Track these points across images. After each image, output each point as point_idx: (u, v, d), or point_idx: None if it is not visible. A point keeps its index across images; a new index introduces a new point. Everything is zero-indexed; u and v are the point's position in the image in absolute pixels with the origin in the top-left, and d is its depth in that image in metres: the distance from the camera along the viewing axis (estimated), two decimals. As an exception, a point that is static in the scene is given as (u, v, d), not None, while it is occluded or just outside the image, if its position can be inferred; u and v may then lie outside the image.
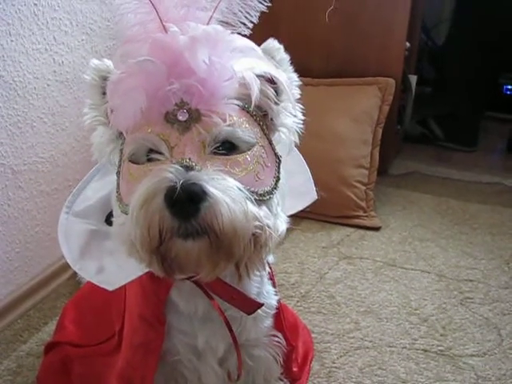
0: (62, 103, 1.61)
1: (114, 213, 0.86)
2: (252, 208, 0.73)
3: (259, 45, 0.84)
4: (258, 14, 0.82)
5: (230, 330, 0.96)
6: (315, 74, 2.21)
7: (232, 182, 0.72)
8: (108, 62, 0.84)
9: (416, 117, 2.85)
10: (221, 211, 0.69)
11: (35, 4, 1.44)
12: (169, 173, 0.69)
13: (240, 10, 0.82)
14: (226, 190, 0.71)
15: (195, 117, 0.74)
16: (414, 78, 2.56)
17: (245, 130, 0.78)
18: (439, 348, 1.47)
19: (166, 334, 0.96)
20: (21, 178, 1.51)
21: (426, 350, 1.46)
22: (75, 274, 1.66)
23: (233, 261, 0.76)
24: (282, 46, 0.86)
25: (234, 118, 0.77)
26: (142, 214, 0.70)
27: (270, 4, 0.81)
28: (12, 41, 1.40)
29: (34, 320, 1.56)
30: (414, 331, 1.54)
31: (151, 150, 0.76)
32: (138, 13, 0.78)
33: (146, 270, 0.86)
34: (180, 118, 0.74)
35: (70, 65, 1.61)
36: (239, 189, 0.73)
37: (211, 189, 0.69)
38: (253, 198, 0.75)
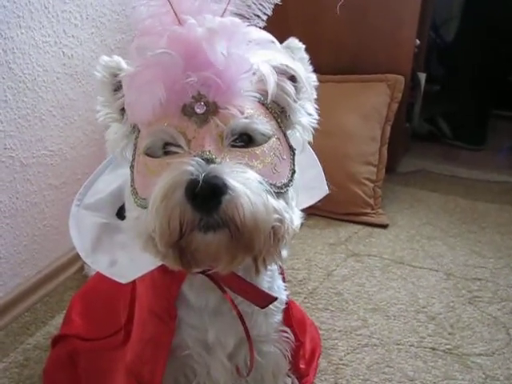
0: (71, 96, 1.61)
1: (126, 206, 0.86)
2: (272, 200, 0.73)
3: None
4: (272, 6, 0.82)
5: (243, 324, 0.96)
6: (324, 71, 2.19)
7: (252, 175, 0.72)
8: (118, 59, 0.83)
9: (424, 114, 2.84)
10: (242, 204, 0.69)
11: (45, -4, 1.44)
12: (190, 166, 0.69)
13: (254, 2, 0.81)
14: (246, 182, 0.70)
15: (212, 109, 0.74)
16: (422, 76, 2.55)
17: (261, 122, 0.77)
18: (447, 346, 1.46)
19: (176, 329, 0.96)
20: (29, 171, 1.51)
21: (433, 349, 1.46)
22: (82, 267, 1.67)
23: (252, 254, 0.76)
24: (303, 46, 0.86)
25: (251, 111, 0.76)
26: (162, 208, 0.69)
27: (282, -3, 0.80)
28: (22, 33, 1.39)
29: (40, 313, 1.56)
30: (421, 329, 1.53)
31: (168, 144, 0.76)
32: (151, 5, 0.77)
33: (159, 263, 0.86)
34: (198, 110, 0.74)
35: (80, 58, 1.61)
36: (259, 181, 0.72)
37: (232, 181, 0.69)
38: (272, 191, 0.75)
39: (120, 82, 0.82)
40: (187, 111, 0.74)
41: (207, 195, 0.68)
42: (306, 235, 1.97)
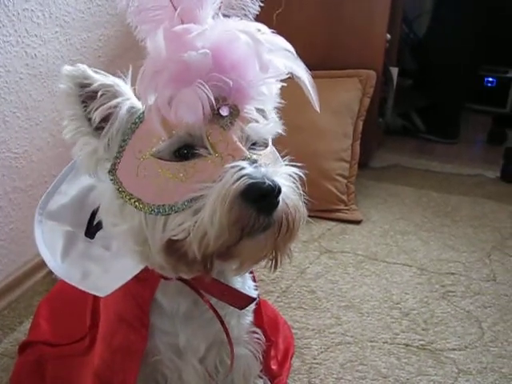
0: (35, 97, 1.57)
1: (110, 220, 0.83)
2: (301, 197, 0.78)
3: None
4: (256, 10, 0.81)
5: (223, 325, 0.95)
6: (295, 67, 2.19)
7: (292, 172, 0.77)
8: (83, 67, 0.79)
9: (397, 109, 2.85)
10: (290, 202, 0.73)
11: (5, -5, 1.40)
12: (247, 169, 0.69)
13: (237, 6, 0.80)
14: (288, 181, 0.75)
15: (235, 112, 0.74)
16: (395, 71, 2.55)
17: (265, 125, 0.80)
18: (420, 342, 1.46)
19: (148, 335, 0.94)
20: (-7, 174, 1.48)
21: (407, 345, 1.45)
22: (51, 271, 1.63)
23: (283, 249, 0.79)
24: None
25: (255, 113, 0.78)
26: (225, 214, 0.68)
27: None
28: (-19, 33, 1.36)
29: (8, 319, 1.52)
30: (395, 326, 1.53)
31: (183, 146, 0.74)
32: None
33: (136, 273, 0.85)
34: (223, 113, 0.73)
35: (44, 58, 1.57)
36: (297, 178, 0.77)
37: (281, 181, 0.72)
38: None
39: (89, 92, 0.78)
40: (211, 114, 0.73)
41: (272, 197, 0.70)
42: (280, 233, 1.96)
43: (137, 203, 0.76)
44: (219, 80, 0.72)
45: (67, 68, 0.79)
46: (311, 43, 2.25)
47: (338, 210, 2.09)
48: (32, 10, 1.50)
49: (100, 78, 0.79)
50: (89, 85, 0.78)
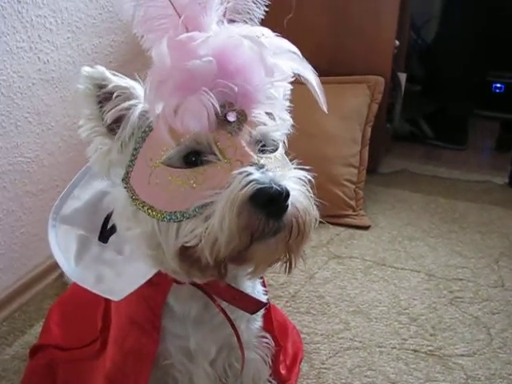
0: (47, 102, 1.58)
1: (124, 225, 0.84)
2: (312, 200, 0.78)
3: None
4: (261, 14, 0.82)
5: (234, 329, 0.96)
6: (304, 73, 2.20)
7: (301, 175, 0.77)
8: (101, 68, 0.80)
9: (405, 115, 2.85)
10: (300, 206, 0.73)
11: (19, 1, 1.42)
12: (255, 174, 0.70)
13: (242, 11, 0.81)
14: (298, 184, 0.75)
15: (242, 117, 0.75)
16: (403, 76, 2.55)
17: (275, 129, 0.81)
18: (429, 348, 1.47)
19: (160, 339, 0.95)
20: (5, 178, 1.49)
21: (415, 350, 1.46)
22: (62, 274, 1.64)
23: (296, 252, 0.79)
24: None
25: (265, 117, 0.78)
26: (234, 219, 0.69)
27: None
28: (-5, 39, 1.38)
29: (19, 322, 1.54)
30: (403, 331, 1.53)
31: (192, 153, 0.75)
32: (148, 6, 0.75)
33: (150, 276, 0.86)
34: (230, 119, 0.74)
35: (56, 63, 1.59)
36: (306, 181, 0.77)
37: (290, 186, 0.72)
38: None
39: (106, 93, 0.80)
40: (219, 120, 0.73)
41: (281, 202, 0.70)
42: (288, 238, 1.96)
43: (149, 210, 0.77)
44: (225, 86, 0.72)
45: (86, 69, 0.81)
46: (319, 49, 2.26)
47: (347, 216, 2.10)
48: (45, 17, 1.51)
49: (116, 80, 0.81)
50: (106, 86, 0.80)
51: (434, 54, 2.99)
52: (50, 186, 1.65)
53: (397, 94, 2.56)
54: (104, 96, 0.80)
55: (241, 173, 0.70)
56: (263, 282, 1.07)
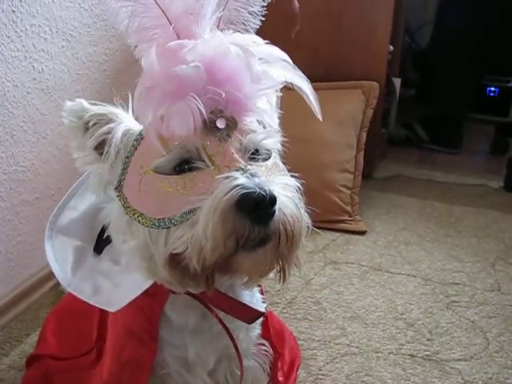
0: (42, 111, 1.59)
1: (120, 238, 0.84)
2: (302, 207, 0.76)
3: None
4: (257, 24, 0.82)
5: (232, 339, 0.95)
6: (299, 79, 2.20)
7: (290, 182, 0.75)
8: (80, 101, 0.83)
9: (400, 119, 2.86)
10: (288, 213, 0.71)
11: (13, 11, 1.42)
12: (240, 180, 0.69)
13: (237, 21, 0.81)
14: (286, 191, 0.73)
15: (232, 124, 0.74)
16: (398, 81, 2.57)
17: (268, 137, 0.80)
18: (426, 353, 1.47)
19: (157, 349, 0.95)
20: (1, 187, 1.49)
21: (412, 356, 1.46)
22: (59, 283, 1.64)
23: (287, 261, 0.77)
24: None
25: (257, 125, 0.78)
26: (220, 225, 0.68)
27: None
28: (-10, 49, 1.38)
29: (15, 332, 1.53)
30: (400, 336, 1.53)
31: (184, 161, 0.75)
32: (142, 17, 0.76)
33: (146, 287, 0.86)
34: (219, 125, 0.73)
35: (51, 72, 1.59)
36: (295, 189, 0.76)
37: (279, 191, 0.71)
38: None
39: (87, 123, 0.82)
40: (207, 126, 0.73)
41: (266, 207, 0.68)
42: (284, 244, 1.96)
43: (140, 218, 0.78)
44: (214, 93, 0.72)
45: (67, 104, 0.84)
46: (314, 55, 2.28)
47: (343, 221, 2.10)
48: (39, 26, 1.51)
49: (94, 109, 0.83)
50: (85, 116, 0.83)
51: (428, 59, 3.01)
52: (45, 195, 1.65)
53: (392, 99, 2.57)
54: (86, 126, 0.83)
55: (226, 177, 0.70)
56: (261, 290, 1.07)
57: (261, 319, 1.06)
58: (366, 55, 2.29)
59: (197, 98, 0.71)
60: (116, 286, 0.91)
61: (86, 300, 0.93)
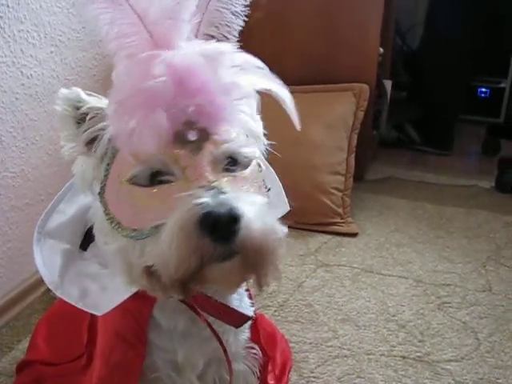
0: (31, 117, 1.58)
1: (103, 239, 0.83)
2: (273, 221, 0.74)
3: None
4: (239, 28, 0.80)
5: (220, 343, 0.95)
6: (290, 81, 2.19)
7: (257, 199, 0.73)
8: (77, 90, 0.81)
9: (392, 121, 2.87)
10: (256, 230, 0.69)
11: (1, 17, 1.42)
12: (203, 198, 0.67)
13: (220, 24, 0.80)
14: (254, 207, 0.71)
15: (204, 136, 0.73)
16: (388, 83, 2.57)
17: (246, 145, 0.78)
18: (417, 354, 1.47)
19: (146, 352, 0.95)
20: (-10, 193, 1.49)
21: (404, 357, 1.46)
22: (49, 289, 1.64)
23: (259, 272, 0.75)
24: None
25: (235, 134, 0.77)
26: (182, 243, 0.67)
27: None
28: (-22, 55, 1.38)
29: (7, 338, 1.53)
30: (392, 338, 1.53)
31: (157, 172, 0.74)
32: (120, 24, 0.74)
33: (134, 291, 0.85)
34: (191, 137, 0.72)
35: (40, 77, 1.59)
36: (263, 205, 0.73)
37: (244, 209, 0.68)
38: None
39: (83, 114, 0.80)
40: (179, 138, 0.72)
41: (228, 227, 0.67)
42: (276, 247, 1.97)
43: (117, 226, 0.77)
44: (185, 105, 0.71)
45: (62, 91, 0.81)
46: (305, 58, 2.28)
47: (334, 223, 2.10)
48: (27, 31, 1.51)
49: (91, 101, 0.81)
50: (82, 107, 0.81)
51: (419, 60, 3.02)
52: (35, 201, 1.65)
53: (383, 101, 2.58)
54: (81, 117, 0.81)
55: (190, 195, 0.69)
56: (250, 294, 1.07)
57: (249, 323, 1.06)
58: (356, 57, 2.29)
59: (162, 112, 0.70)
60: (103, 289, 0.90)
61: (73, 304, 0.92)
